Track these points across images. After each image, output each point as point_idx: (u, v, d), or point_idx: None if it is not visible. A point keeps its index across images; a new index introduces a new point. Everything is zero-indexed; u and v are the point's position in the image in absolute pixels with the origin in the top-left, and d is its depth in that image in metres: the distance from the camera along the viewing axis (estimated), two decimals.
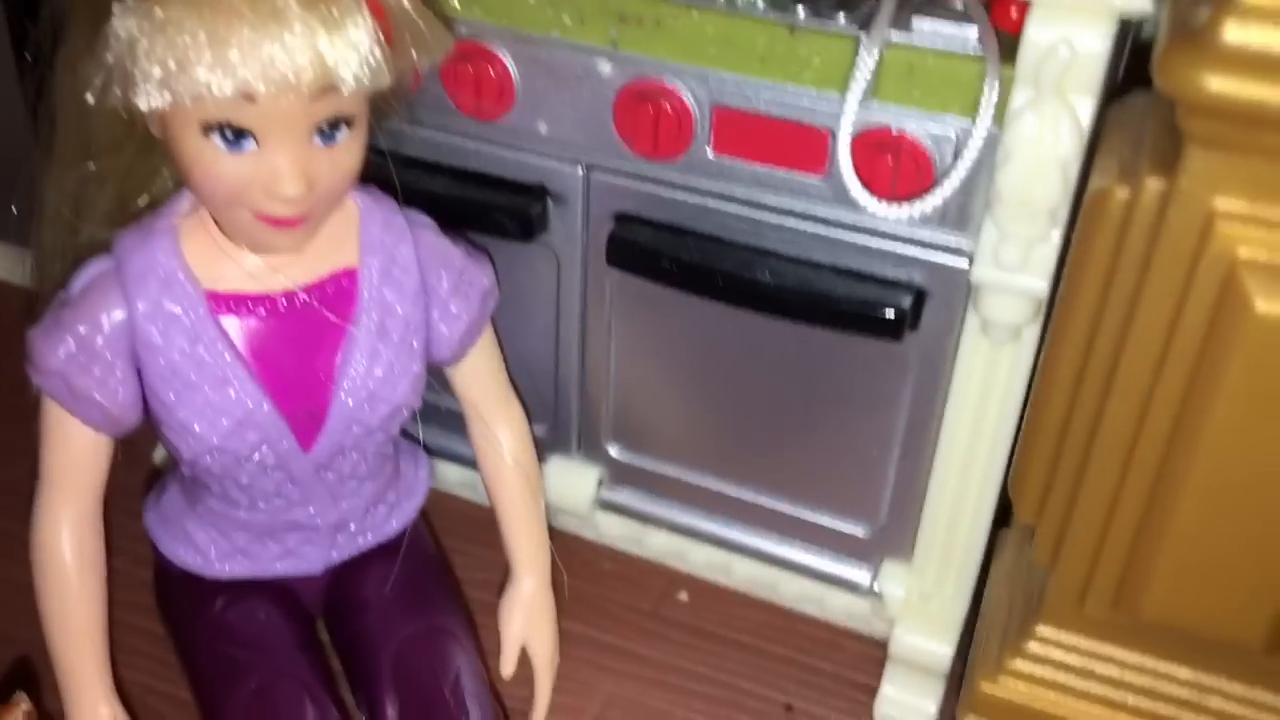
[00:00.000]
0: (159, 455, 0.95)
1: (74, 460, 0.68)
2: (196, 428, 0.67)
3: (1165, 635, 0.62)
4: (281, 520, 0.75)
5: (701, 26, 0.69)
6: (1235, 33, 0.47)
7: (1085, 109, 0.60)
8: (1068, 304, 0.60)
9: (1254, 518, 0.55)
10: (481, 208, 0.78)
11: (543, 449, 0.89)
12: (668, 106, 0.71)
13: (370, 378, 0.70)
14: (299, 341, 0.69)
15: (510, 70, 0.74)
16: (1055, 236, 0.64)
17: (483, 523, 0.88)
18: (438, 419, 0.88)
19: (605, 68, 0.72)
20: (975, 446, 0.75)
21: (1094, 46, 0.59)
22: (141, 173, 0.67)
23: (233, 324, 0.67)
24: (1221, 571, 0.57)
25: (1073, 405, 0.61)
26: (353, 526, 0.78)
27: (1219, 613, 0.58)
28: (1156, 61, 0.50)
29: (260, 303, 0.67)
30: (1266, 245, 0.50)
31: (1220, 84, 0.48)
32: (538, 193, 0.78)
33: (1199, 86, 0.48)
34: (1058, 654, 0.67)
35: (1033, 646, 0.68)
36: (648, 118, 0.71)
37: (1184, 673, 0.63)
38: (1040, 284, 0.66)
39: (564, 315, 0.83)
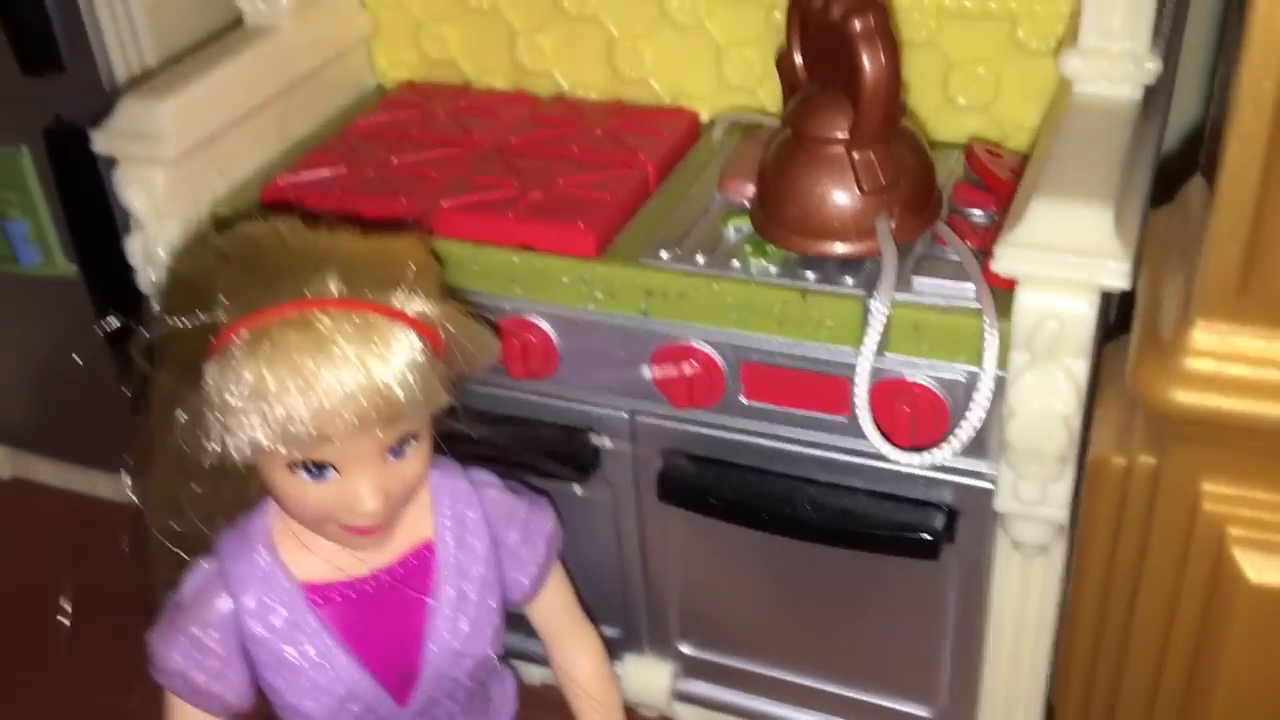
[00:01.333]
0: None
1: None
2: (305, 707, 0.74)
3: None
4: None
5: (722, 296, 0.75)
6: (1197, 354, 0.52)
7: (1080, 368, 0.65)
8: (1083, 549, 0.64)
9: None
10: (537, 455, 0.85)
11: (617, 649, 0.95)
12: (698, 366, 0.77)
13: (455, 638, 0.76)
14: (387, 616, 0.76)
15: (552, 339, 0.81)
16: (1069, 474, 0.69)
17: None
18: (522, 626, 0.94)
19: (638, 335, 0.78)
20: (1020, 647, 0.80)
21: (1081, 315, 0.64)
22: (235, 487, 0.75)
23: (327, 610, 0.74)
24: None
25: (1098, 648, 0.65)
26: None
27: None
28: (1129, 373, 0.55)
29: (350, 588, 0.75)
30: (1254, 524, 0.55)
31: (1188, 398, 0.53)
32: (587, 437, 0.85)
33: (1168, 400, 0.53)
34: None
35: None
36: (682, 377, 0.78)
37: None
38: (1060, 513, 0.70)
39: (624, 537, 0.90)
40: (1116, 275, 0.62)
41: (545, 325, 0.81)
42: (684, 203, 0.83)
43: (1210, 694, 0.59)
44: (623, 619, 0.95)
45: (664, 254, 0.77)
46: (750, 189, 0.81)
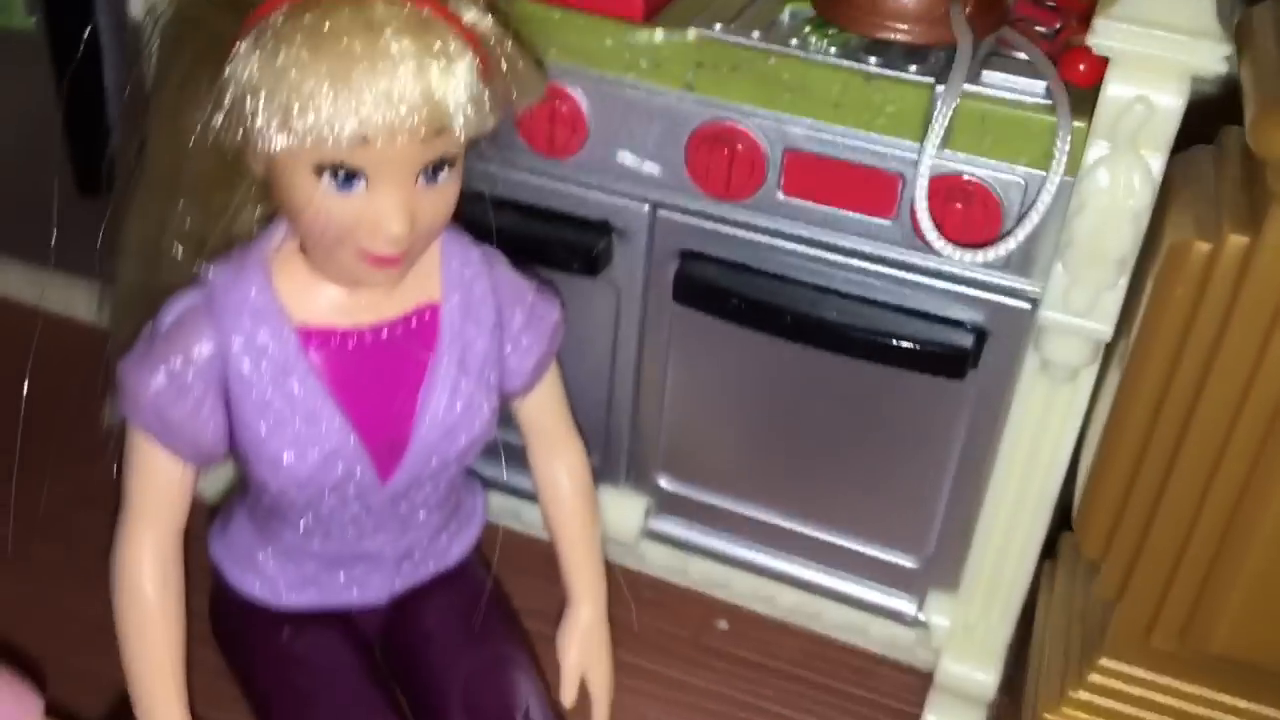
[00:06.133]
0: (212, 492, 0.95)
1: (161, 491, 0.69)
2: (286, 459, 0.68)
3: (1229, 669, 0.65)
4: (351, 550, 0.76)
5: (777, 72, 0.71)
6: None
7: (1157, 163, 0.63)
8: (1144, 347, 0.62)
9: None
10: (546, 244, 0.80)
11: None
12: (741, 149, 0.73)
13: (451, 411, 0.71)
14: (384, 375, 0.70)
15: (583, 109, 0.76)
16: (1123, 283, 0.67)
17: (526, 551, 0.89)
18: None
19: (679, 111, 0.74)
20: (1029, 482, 0.78)
21: (1170, 104, 0.62)
22: (233, 210, 0.68)
23: (321, 357, 0.68)
24: None
25: (1146, 446, 0.63)
26: (417, 555, 0.79)
27: None
28: (1250, 125, 0.53)
29: (348, 336, 0.69)
30: None
31: None
32: (602, 229, 0.80)
33: None
34: (1120, 685, 0.69)
35: (1095, 678, 0.70)
36: (721, 160, 0.74)
37: (1245, 704, 0.66)
38: (1105, 329, 0.69)
39: (620, 347, 0.85)
40: (1217, 59, 0.60)
41: (578, 94, 0.75)
42: None
43: (1269, 499, 0.57)
44: (603, 444, 0.90)
45: (717, 26, 0.73)
46: None
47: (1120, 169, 0.63)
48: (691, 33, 0.72)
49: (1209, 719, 0.67)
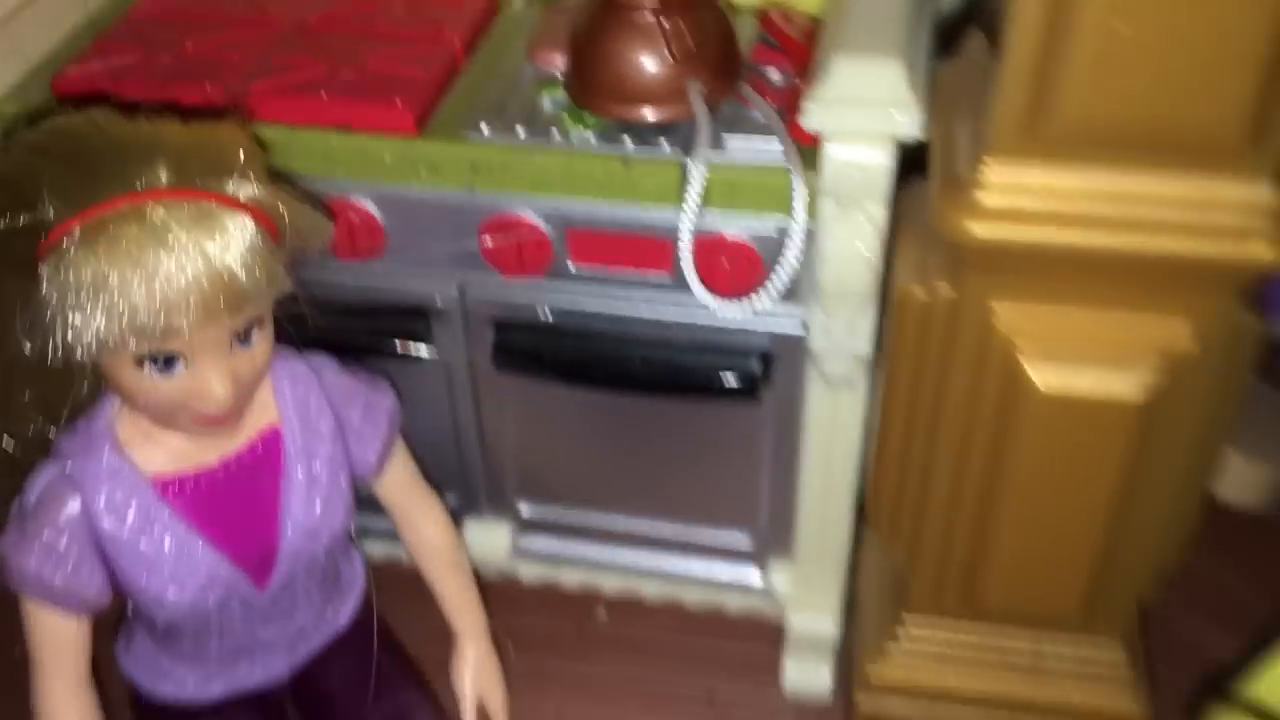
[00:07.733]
0: None
1: (62, 647, 0.76)
2: (169, 596, 0.75)
3: (1006, 616, 0.77)
4: (248, 642, 0.84)
5: (546, 166, 0.78)
6: (990, 190, 0.59)
7: (879, 212, 0.72)
8: (892, 375, 0.72)
9: (1058, 532, 0.69)
10: (369, 337, 0.87)
11: (456, 515, 0.99)
12: (527, 234, 0.81)
13: (310, 517, 0.79)
14: (241, 501, 0.77)
15: (377, 218, 0.82)
16: (871, 310, 0.77)
17: (410, 585, 0.98)
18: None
19: (465, 209, 0.81)
20: (830, 466, 0.88)
21: (880, 164, 0.71)
22: (60, 392, 0.73)
23: (180, 501, 0.75)
24: (1040, 570, 0.71)
25: (906, 456, 0.74)
26: (310, 630, 0.88)
27: (1041, 599, 0.73)
28: (930, 209, 0.62)
29: (200, 478, 0.76)
30: (1037, 336, 0.63)
31: (983, 230, 0.60)
32: (419, 314, 0.87)
33: (966, 233, 0.60)
34: (923, 635, 0.82)
35: (902, 632, 0.82)
36: (511, 245, 0.81)
37: (1024, 644, 0.79)
38: (864, 346, 0.79)
39: (459, 407, 0.93)
40: (911, 125, 0.69)
41: (369, 205, 0.82)
42: (495, 76, 0.85)
43: (1005, 489, 0.68)
44: (461, 485, 0.99)
45: (485, 128, 0.79)
46: (560, 59, 0.83)
47: (849, 222, 0.73)
48: (463, 140, 0.79)
49: (998, 659, 0.80)
